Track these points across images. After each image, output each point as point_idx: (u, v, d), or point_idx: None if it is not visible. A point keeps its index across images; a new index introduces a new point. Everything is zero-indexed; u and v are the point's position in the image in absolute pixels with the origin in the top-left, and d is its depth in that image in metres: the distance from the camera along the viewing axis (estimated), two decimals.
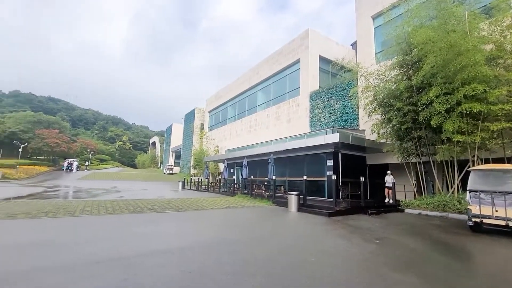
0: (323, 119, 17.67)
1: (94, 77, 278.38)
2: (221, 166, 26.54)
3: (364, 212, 10.20)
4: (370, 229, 7.39)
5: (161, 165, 66.47)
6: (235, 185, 19.35)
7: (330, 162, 13.46)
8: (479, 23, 9.55)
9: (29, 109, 74.07)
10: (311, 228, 7.57)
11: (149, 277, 3.43)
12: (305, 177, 12.28)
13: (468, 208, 7.32)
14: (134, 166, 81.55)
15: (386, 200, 12.19)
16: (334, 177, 10.67)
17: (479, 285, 3.74)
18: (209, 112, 37.37)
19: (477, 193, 7.17)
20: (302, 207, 10.82)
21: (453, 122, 9.21)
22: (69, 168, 40.12)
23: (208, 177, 24.88)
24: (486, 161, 9.78)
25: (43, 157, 46.00)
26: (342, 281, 3.60)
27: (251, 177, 16.54)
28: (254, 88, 26.54)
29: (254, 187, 15.63)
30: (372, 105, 12.54)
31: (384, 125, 12.21)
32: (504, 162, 9.30)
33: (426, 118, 10.06)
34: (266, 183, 16.26)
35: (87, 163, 50.34)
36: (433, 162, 11.13)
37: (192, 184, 25.03)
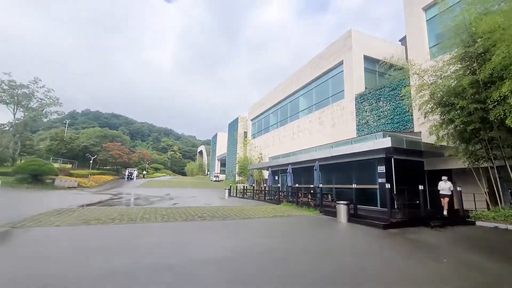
0: (371, 122, 16.61)
1: (149, 92, 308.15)
2: (265, 173, 26.72)
3: (425, 225, 9.19)
4: (436, 245, 6.60)
5: (208, 173, 69.73)
6: (280, 193, 19.24)
7: (381, 169, 12.52)
8: None
9: (97, 125, 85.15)
10: (366, 242, 7.07)
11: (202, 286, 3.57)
12: (354, 185, 11.62)
13: None
14: (184, 174, 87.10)
15: (445, 212, 10.41)
16: (388, 185, 9.88)
17: None
18: (252, 120, 38.14)
19: None
20: (353, 217, 10.22)
21: None
22: (130, 176, 44.73)
23: (253, 185, 25.22)
24: None
25: (108, 167, 52.02)
26: None
27: (296, 184, 16.28)
28: (295, 94, 26.32)
29: (300, 195, 15.33)
30: (429, 104, 11.34)
31: (444, 126, 10.92)
32: None
33: (499, 117, 8.71)
34: (312, 191, 15.83)
35: (144, 172, 55.40)
36: (511, 166, 9.55)
37: (237, 191, 25.65)
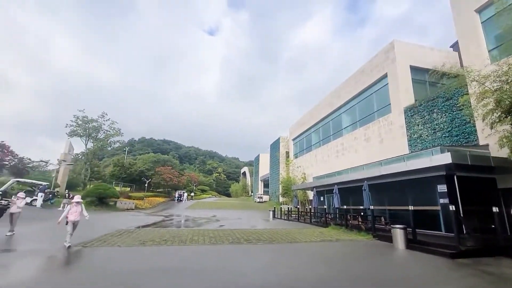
0: (426, 137, 15.17)
1: (195, 118, 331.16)
2: (310, 194, 25.86)
3: (506, 254, 7.78)
4: None
5: (252, 194, 70.13)
6: (327, 215, 18.31)
7: (442, 188, 11.17)
8: None
9: (151, 151, 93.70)
10: (431, 274, 6.23)
11: None
12: (410, 207, 10.52)
13: None
14: (228, 195, 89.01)
15: None
16: (452, 207, 8.74)
17: None
18: (293, 140, 37.93)
19: None
20: (412, 243, 9.17)
21: None
22: (180, 198, 47.46)
23: (298, 206, 24.54)
24: None
25: (161, 190, 56.03)
26: None
27: (344, 206, 15.37)
28: (337, 111, 25.64)
29: (349, 217, 14.40)
30: (495, 113, 9.97)
31: None
32: None
33: None
34: (362, 213, 14.75)
35: (192, 194, 58.21)
36: None
37: (282, 213, 25.16)
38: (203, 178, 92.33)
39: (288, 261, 7.50)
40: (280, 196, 39.19)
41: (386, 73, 18.59)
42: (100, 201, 28.72)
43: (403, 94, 17.15)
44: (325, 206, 20.46)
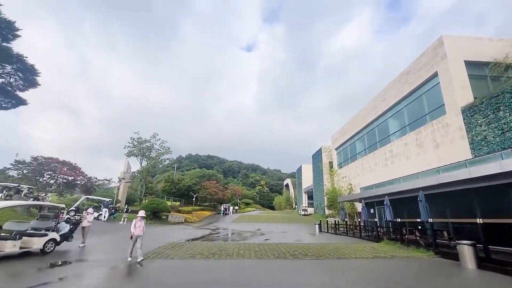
0: (492, 138, 13.32)
1: (236, 133, 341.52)
2: (358, 206, 24.34)
3: None
4: None
5: (296, 206, 68.56)
6: (378, 229, 16.97)
7: None
8: None
9: (197, 166, 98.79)
10: None
11: None
12: (479, 220, 9.22)
13: None
14: (272, 207, 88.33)
15: None
16: None
17: None
18: (336, 149, 36.52)
19: None
20: (484, 262, 7.97)
21: None
22: (225, 212, 48.77)
23: (346, 219, 23.24)
24: None
25: (207, 204, 58.35)
26: None
27: (398, 219, 14.11)
28: (382, 116, 24.10)
29: (404, 231, 13.15)
30: None
31: None
32: None
33: None
34: (420, 227, 13.35)
35: (236, 207, 59.29)
36: None
37: (329, 226, 24.07)
38: (246, 191, 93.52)
39: (339, 279, 7.11)
40: (325, 208, 37.60)
41: (436, 71, 17.04)
42: (154, 215, 31.01)
43: (458, 92, 15.47)
44: (376, 219, 19.02)
